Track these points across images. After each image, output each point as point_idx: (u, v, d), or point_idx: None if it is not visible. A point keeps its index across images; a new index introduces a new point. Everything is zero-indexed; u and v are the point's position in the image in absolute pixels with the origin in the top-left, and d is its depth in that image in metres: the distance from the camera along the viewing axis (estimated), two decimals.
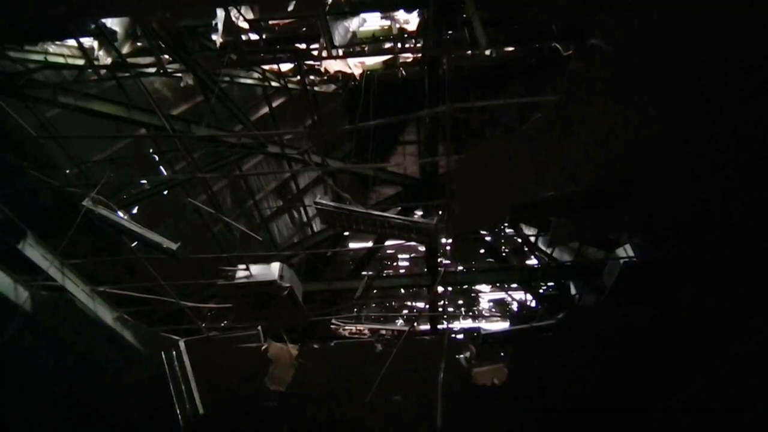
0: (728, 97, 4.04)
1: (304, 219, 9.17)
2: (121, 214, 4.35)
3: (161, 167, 6.94)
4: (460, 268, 9.39)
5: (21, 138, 4.76)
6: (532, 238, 8.66)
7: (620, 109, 4.07)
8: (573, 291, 8.27)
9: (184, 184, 6.58)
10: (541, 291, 9.41)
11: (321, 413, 7.28)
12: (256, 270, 4.80)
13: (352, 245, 9.86)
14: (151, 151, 6.59)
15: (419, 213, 8.25)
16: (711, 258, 5.31)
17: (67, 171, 5.98)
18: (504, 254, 9.59)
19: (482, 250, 9.44)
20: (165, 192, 7.15)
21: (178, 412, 5.25)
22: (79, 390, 5.91)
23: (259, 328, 5.68)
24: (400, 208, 6.59)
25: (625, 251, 5.39)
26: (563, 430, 8.53)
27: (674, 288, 5.63)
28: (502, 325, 8.60)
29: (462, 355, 5.88)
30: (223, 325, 6.72)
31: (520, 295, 10.11)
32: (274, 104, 7.72)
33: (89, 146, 6.34)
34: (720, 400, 7.05)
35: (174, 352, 5.40)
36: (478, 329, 6.32)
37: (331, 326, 5.66)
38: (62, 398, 5.94)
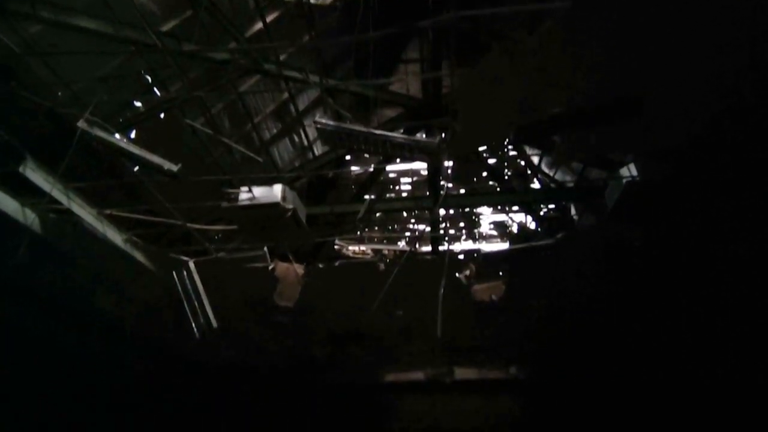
0: (741, 19, 3.78)
1: (305, 143, 9.05)
2: (118, 136, 4.29)
3: (155, 89, 6.72)
4: (462, 190, 9.44)
5: (3, 55, 4.55)
6: (536, 160, 8.59)
7: (631, 23, 3.83)
8: (573, 214, 8.38)
9: (181, 106, 6.42)
10: (541, 213, 9.53)
11: (327, 327, 7.75)
12: (259, 192, 4.83)
13: (355, 169, 9.84)
14: (143, 72, 6.34)
15: (422, 135, 8.11)
16: (713, 181, 5.30)
17: (59, 93, 5.82)
18: (506, 177, 9.57)
19: (484, 173, 9.41)
20: (162, 115, 7.00)
21: (193, 326, 5.59)
22: (95, 308, 6.23)
23: (265, 249, 5.85)
24: (402, 129, 6.47)
25: (629, 170, 5.37)
26: (556, 343, 9.10)
27: (674, 209, 5.67)
28: (502, 247, 8.81)
29: (462, 273, 6.11)
30: (230, 247, 6.92)
31: (520, 217, 10.27)
32: (268, 19, 7.27)
33: (78, 66, 6.09)
34: (710, 320, 7.38)
35: (184, 272, 5.62)
36: (478, 250, 6.50)
37: (335, 247, 5.82)
38: (78, 315, 6.28)
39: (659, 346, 8.59)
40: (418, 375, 10.39)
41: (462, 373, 10.32)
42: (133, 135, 6.91)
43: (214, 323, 5.60)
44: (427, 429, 10.74)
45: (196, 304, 5.62)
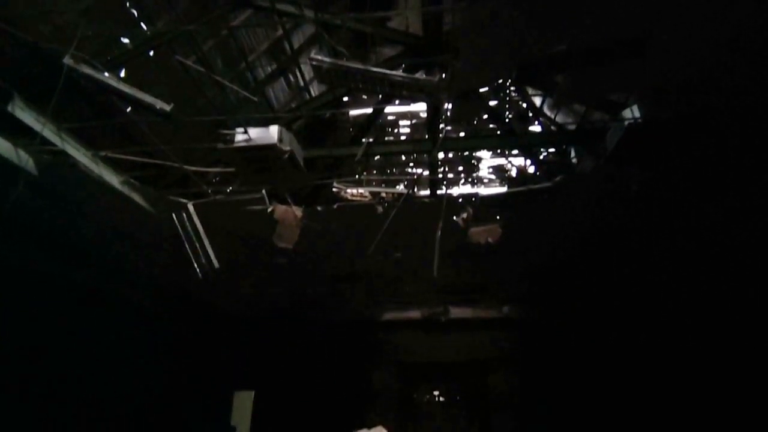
0: None
1: (301, 83, 8.77)
2: (107, 75, 4.15)
3: (142, 23, 6.41)
4: (462, 134, 9.30)
5: None
6: (537, 102, 8.39)
7: None
8: (573, 157, 8.31)
9: (171, 43, 6.15)
10: (541, 157, 9.45)
11: (326, 268, 7.94)
12: (255, 134, 4.75)
13: (353, 112, 9.61)
14: (127, 3, 6.00)
15: (422, 74, 7.85)
16: (716, 123, 5.20)
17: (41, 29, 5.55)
18: (507, 120, 9.39)
19: (485, 116, 9.22)
20: (151, 53, 6.73)
21: (195, 266, 5.72)
22: (96, 249, 6.34)
23: (264, 191, 5.86)
24: (401, 68, 6.26)
25: (632, 112, 5.27)
26: (550, 285, 9.39)
27: (675, 152, 5.62)
28: (501, 191, 8.83)
29: (459, 216, 6.16)
30: (228, 190, 6.93)
31: (520, 161, 10.19)
32: None
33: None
34: (707, 263, 7.53)
35: (184, 214, 5.66)
36: (476, 194, 6.51)
37: (334, 190, 5.82)
38: (80, 255, 6.41)
39: (653, 289, 8.87)
40: (415, 314, 10.81)
41: (457, 312, 10.74)
42: (122, 74, 6.69)
43: (216, 264, 5.72)
44: (423, 362, 11.35)
45: (197, 245, 5.71)
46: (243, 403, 10.87)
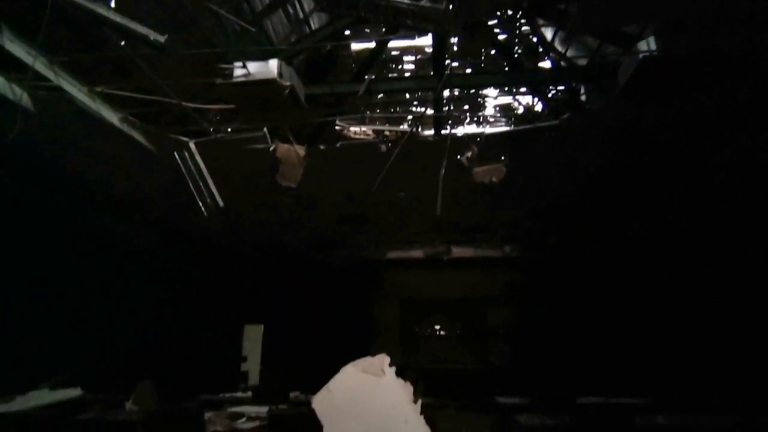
0: None
1: (300, 15, 8.33)
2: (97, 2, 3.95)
3: None
4: (468, 70, 8.95)
5: None
6: (549, 36, 7.98)
7: None
8: (583, 94, 8.03)
9: None
10: (550, 96, 9.14)
11: (330, 208, 7.99)
12: (254, 68, 4.60)
13: (355, 46, 9.21)
14: None
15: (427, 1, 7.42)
16: (736, 63, 4.96)
17: None
18: (516, 55, 8.98)
19: (492, 51, 8.82)
20: None
21: (200, 205, 5.76)
22: (101, 187, 6.37)
23: (265, 130, 5.76)
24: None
25: (647, 44, 5.02)
26: (552, 224, 9.45)
27: (690, 89, 5.42)
28: (506, 130, 8.64)
29: (463, 156, 6.09)
30: (230, 130, 6.82)
31: (527, 100, 9.88)
32: None
33: None
34: (716, 204, 7.48)
35: (186, 153, 5.62)
36: (481, 133, 6.38)
37: (336, 128, 5.71)
38: (87, 194, 6.45)
39: (657, 231, 8.92)
40: (418, 253, 11.02)
41: (459, 251, 10.94)
42: (113, 4, 6.37)
43: (221, 203, 5.76)
44: (425, 299, 11.75)
45: (201, 184, 5.72)
46: (253, 336, 11.44)
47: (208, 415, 4.05)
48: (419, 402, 2.85)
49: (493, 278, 11.53)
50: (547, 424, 4.32)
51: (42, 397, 4.69)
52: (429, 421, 2.88)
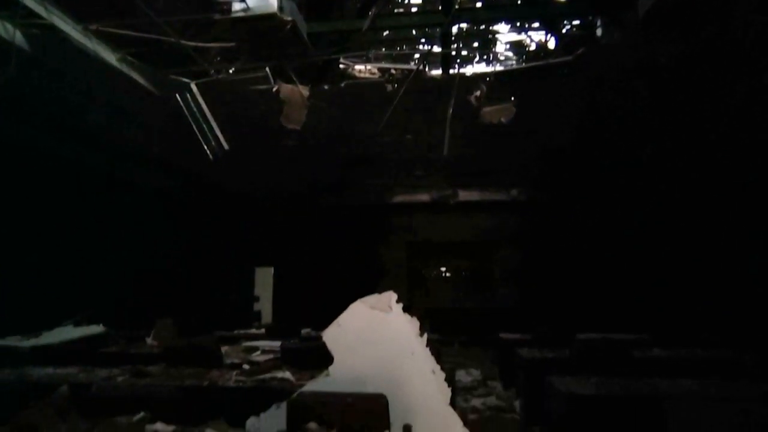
0: None
1: None
2: None
3: None
4: (478, 4, 8.46)
5: None
6: None
7: None
8: (599, 32, 7.63)
9: None
10: (563, 31, 8.68)
11: (335, 151, 7.93)
12: (253, 2, 4.39)
13: None
14: None
15: None
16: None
17: None
18: None
19: None
20: None
21: (204, 148, 5.73)
22: (105, 130, 6.32)
23: (267, 70, 5.60)
24: None
25: None
26: (560, 166, 9.34)
27: (710, 26, 5.11)
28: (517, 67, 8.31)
29: (472, 95, 5.92)
30: (231, 71, 6.63)
31: (540, 35, 9.41)
32: None
33: None
34: (736, 146, 7.27)
35: (188, 95, 5.51)
36: (491, 72, 6.16)
37: (340, 66, 5.52)
38: (91, 137, 6.41)
39: (667, 172, 8.79)
40: (425, 197, 11.04)
41: (465, 195, 10.93)
42: None
43: (226, 146, 5.71)
44: (431, 242, 11.91)
45: (205, 127, 5.66)
46: (264, 277, 11.79)
47: (224, 348, 4.27)
48: (425, 336, 2.97)
49: (499, 221, 11.59)
50: (547, 357, 4.52)
51: (67, 333, 4.95)
52: (434, 354, 3.01)
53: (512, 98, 6.34)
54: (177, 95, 5.36)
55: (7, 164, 5.69)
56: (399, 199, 11.30)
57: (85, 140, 6.54)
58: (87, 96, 5.26)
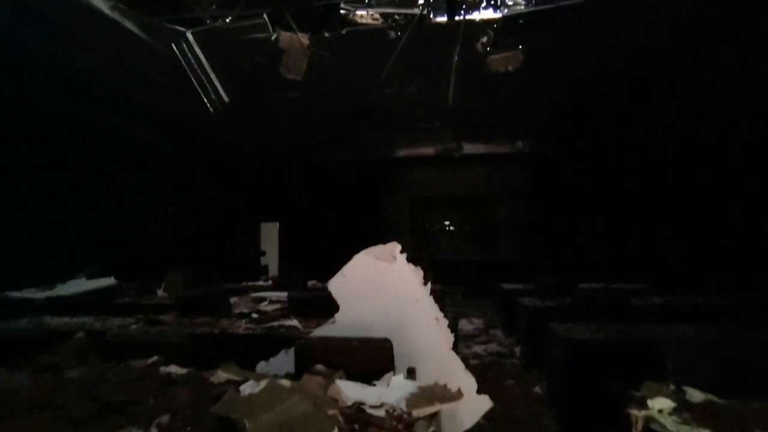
0: None
1: None
2: None
3: None
4: None
5: None
6: None
7: None
8: None
9: None
10: None
11: (337, 103, 7.75)
12: None
13: None
14: None
15: None
16: None
17: None
18: None
19: None
20: None
21: (204, 100, 5.61)
22: (102, 83, 6.19)
23: (265, 16, 5.37)
24: None
25: None
26: (567, 118, 9.12)
27: None
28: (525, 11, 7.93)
29: (478, 42, 5.68)
30: (228, 20, 6.37)
31: None
32: None
33: None
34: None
35: (184, 45, 5.33)
36: (498, 17, 5.86)
37: (341, 11, 5.28)
38: (89, 90, 6.30)
39: (673, 125, 8.58)
40: (428, 150, 10.91)
41: (470, 148, 10.79)
42: None
43: (225, 98, 5.59)
44: (434, 196, 11.91)
45: (204, 79, 5.52)
46: (269, 232, 11.93)
47: (233, 299, 4.39)
48: (429, 285, 3.02)
49: (504, 175, 11.52)
50: (548, 306, 4.62)
51: (79, 285, 5.11)
52: (438, 302, 3.08)
53: (520, 46, 6.09)
54: (173, 45, 5.18)
55: (13, 119, 5.67)
56: (402, 152, 11.18)
57: (85, 95, 6.44)
58: (82, 47, 5.10)
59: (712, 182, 8.22)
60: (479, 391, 2.68)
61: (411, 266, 3.19)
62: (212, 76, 5.42)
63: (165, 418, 1.62)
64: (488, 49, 5.72)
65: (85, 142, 6.90)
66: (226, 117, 6.62)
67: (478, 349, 5.63)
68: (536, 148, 10.74)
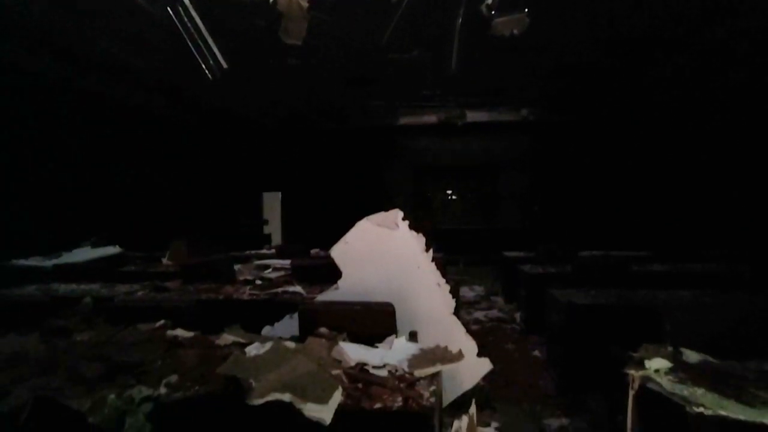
0: None
1: None
2: None
3: None
4: None
5: None
6: None
7: None
8: None
9: None
10: None
11: (339, 69, 7.59)
12: None
13: None
14: None
15: None
16: None
17: None
18: None
19: None
20: None
21: (202, 67, 5.50)
22: (98, 51, 6.06)
23: None
24: None
25: None
26: (574, 85, 8.92)
27: None
28: None
29: (483, 4, 5.49)
30: None
31: None
32: None
33: None
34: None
35: (179, 8, 5.17)
36: None
37: None
38: (81, 55, 6.16)
39: (678, 94, 8.40)
40: (431, 118, 10.76)
41: (473, 116, 10.62)
42: None
43: (224, 64, 5.47)
44: (437, 165, 11.83)
45: (201, 44, 5.38)
46: (272, 202, 11.95)
47: (237, 267, 4.43)
48: (431, 251, 3.04)
49: (507, 144, 11.39)
50: (549, 273, 4.66)
51: (85, 253, 5.16)
52: (440, 268, 3.10)
53: (526, 9, 5.89)
54: (169, 9, 5.02)
55: (16, 89, 5.62)
56: (405, 120, 11.03)
57: (81, 62, 6.32)
58: (72, 11, 4.96)
59: (714, 152, 8.16)
60: (479, 355, 2.74)
61: (413, 233, 3.20)
62: (209, 41, 5.29)
63: (173, 378, 1.67)
64: (493, 12, 5.54)
65: (84, 111, 6.85)
66: (224, 84, 6.50)
67: (479, 315, 5.73)
68: (541, 116, 10.57)
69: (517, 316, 5.40)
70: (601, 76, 8.30)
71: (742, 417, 1.39)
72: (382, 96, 9.39)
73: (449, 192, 12.04)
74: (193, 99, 8.40)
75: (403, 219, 3.28)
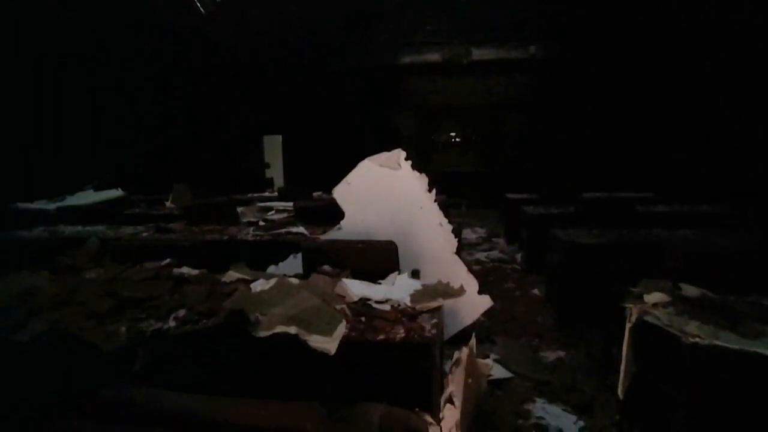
0: None
1: None
2: None
3: None
4: None
5: None
6: None
7: None
8: None
9: None
10: None
11: (340, 6, 7.20)
12: None
13: None
14: None
15: None
16: None
17: None
18: None
19: None
20: None
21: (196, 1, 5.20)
22: None
23: None
24: None
25: None
26: (580, 22, 8.45)
27: None
28: None
29: None
30: None
31: None
32: None
33: None
34: None
35: None
36: None
37: None
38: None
39: (684, 35, 7.97)
40: (435, 56, 10.32)
41: (479, 54, 10.18)
42: None
43: None
44: (441, 106, 11.51)
45: None
46: (273, 145, 11.80)
47: (240, 209, 4.44)
48: (433, 192, 3.02)
49: (512, 83, 10.98)
50: (552, 213, 4.66)
51: (88, 196, 5.17)
52: (443, 209, 3.09)
53: None
54: None
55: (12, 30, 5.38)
56: (407, 59, 10.59)
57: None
58: None
59: (717, 93, 7.91)
60: (480, 292, 2.80)
61: (416, 173, 3.16)
62: None
63: (181, 312, 1.71)
64: None
65: (87, 55, 6.59)
66: (218, 17, 6.19)
67: (481, 255, 5.81)
68: (550, 53, 10.11)
69: (518, 256, 5.47)
70: (608, 13, 7.86)
71: (736, 346, 1.42)
72: (384, 32, 8.97)
73: (453, 134, 11.80)
74: (185, 35, 8.02)
75: (406, 159, 3.23)
